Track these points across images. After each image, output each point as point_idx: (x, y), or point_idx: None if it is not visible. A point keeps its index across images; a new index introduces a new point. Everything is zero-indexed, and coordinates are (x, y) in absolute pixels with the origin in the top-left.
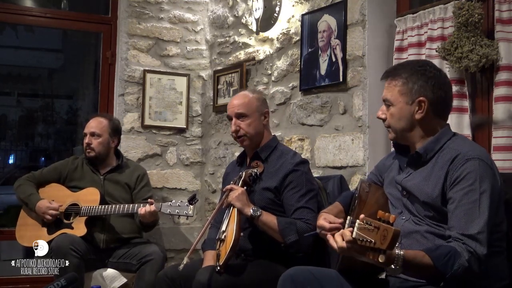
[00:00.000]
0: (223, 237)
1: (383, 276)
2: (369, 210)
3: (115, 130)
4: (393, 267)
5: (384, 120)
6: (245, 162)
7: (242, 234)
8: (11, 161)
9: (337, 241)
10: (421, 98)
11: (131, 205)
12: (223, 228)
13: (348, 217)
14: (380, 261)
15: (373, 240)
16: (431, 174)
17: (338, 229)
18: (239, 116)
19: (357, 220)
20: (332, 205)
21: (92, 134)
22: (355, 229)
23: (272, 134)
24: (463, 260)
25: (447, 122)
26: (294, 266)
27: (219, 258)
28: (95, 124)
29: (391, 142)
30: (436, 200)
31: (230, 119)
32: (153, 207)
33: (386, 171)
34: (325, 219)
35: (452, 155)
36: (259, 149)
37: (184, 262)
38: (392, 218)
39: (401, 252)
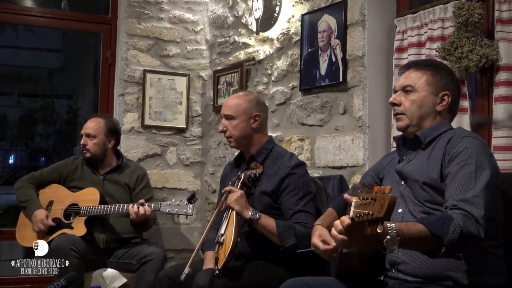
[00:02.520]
0: (221, 240)
1: (381, 277)
2: None
3: (112, 131)
4: (389, 237)
5: (397, 105)
6: (242, 165)
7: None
8: (11, 161)
9: (335, 234)
10: (446, 92)
11: (130, 205)
12: (222, 231)
13: None
14: (379, 231)
15: (370, 212)
16: (429, 157)
17: (331, 251)
18: (227, 117)
19: (354, 199)
20: (326, 213)
21: (88, 135)
22: (352, 208)
23: (269, 135)
24: (458, 221)
25: None
26: (291, 278)
27: (218, 262)
28: (91, 125)
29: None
30: (436, 179)
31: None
32: (134, 209)
33: (385, 168)
34: (319, 237)
35: (448, 137)
36: (255, 154)
37: (186, 272)
38: (388, 189)
39: (393, 224)
